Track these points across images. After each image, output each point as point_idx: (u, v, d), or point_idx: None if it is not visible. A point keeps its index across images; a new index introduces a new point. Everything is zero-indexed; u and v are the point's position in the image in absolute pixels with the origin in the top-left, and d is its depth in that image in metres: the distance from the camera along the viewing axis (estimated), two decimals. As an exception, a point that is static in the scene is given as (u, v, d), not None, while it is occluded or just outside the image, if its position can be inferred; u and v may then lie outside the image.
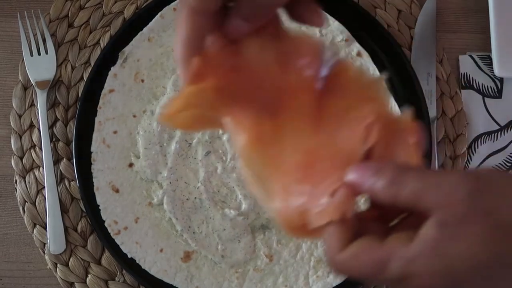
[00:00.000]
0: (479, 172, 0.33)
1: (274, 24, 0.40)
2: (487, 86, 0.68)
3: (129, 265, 0.60)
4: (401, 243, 0.32)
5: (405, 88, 0.64)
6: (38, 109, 0.65)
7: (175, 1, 0.65)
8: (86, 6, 0.68)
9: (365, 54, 0.65)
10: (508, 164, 0.66)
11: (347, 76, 0.40)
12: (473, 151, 0.67)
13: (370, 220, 0.35)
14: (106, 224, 0.61)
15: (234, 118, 0.39)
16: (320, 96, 0.40)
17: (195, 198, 0.62)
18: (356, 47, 0.65)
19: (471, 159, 0.66)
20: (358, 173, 0.34)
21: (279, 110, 0.41)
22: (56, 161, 0.65)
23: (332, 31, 0.65)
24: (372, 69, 0.65)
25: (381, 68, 0.65)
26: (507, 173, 0.33)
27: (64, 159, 0.65)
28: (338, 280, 0.60)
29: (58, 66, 0.67)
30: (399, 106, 0.64)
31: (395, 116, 0.36)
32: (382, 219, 0.35)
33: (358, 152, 0.36)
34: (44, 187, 0.64)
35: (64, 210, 0.64)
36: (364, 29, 0.65)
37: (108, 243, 0.61)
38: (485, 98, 0.68)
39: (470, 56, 0.69)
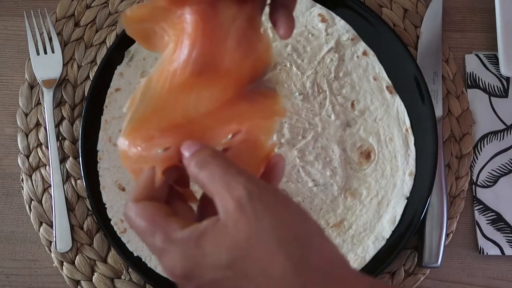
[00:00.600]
0: (263, 183, 0.36)
1: (255, 9, 0.43)
2: (493, 86, 0.68)
3: (135, 263, 0.61)
4: (178, 225, 0.35)
5: (411, 87, 0.64)
6: (44, 108, 0.65)
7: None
8: (92, 5, 0.69)
9: (371, 53, 0.65)
10: (514, 164, 0.66)
11: (267, 101, 0.46)
12: (479, 151, 0.67)
13: (186, 204, 0.40)
14: (112, 223, 0.61)
15: (175, 44, 0.43)
16: (242, 91, 0.45)
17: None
18: (362, 46, 0.65)
19: (477, 159, 0.66)
20: (187, 146, 0.37)
21: (209, 70, 0.45)
22: (63, 160, 0.65)
23: (338, 30, 0.65)
24: (378, 68, 0.65)
25: (386, 67, 0.65)
26: (282, 192, 0.37)
27: (71, 157, 0.65)
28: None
29: (64, 65, 0.67)
30: (405, 105, 0.64)
31: (262, 142, 0.43)
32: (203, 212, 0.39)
33: (217, 143, 0.41)
34: (51, 185, 0.64)
35: (70, 209, 0.64)
36: (370, 28, 0.65)
37: (114, 241, 0.61)
38: (491, 97, 0.68)
39: (476, 55, 0.68)
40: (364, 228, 0.62)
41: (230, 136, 0.43)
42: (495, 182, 0.66)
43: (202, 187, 0.36)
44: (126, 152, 0.41)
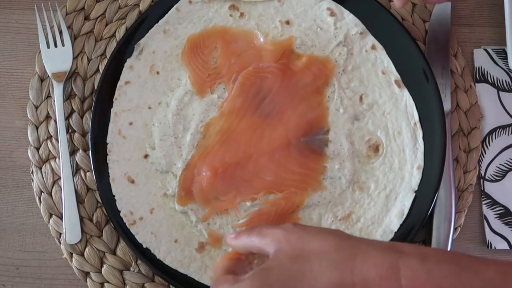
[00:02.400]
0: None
1: (324, 84, 0.64)
2: (502, 80, 0.68)
3: (144, 255, 0.61)
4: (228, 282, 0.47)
5: (420, 81, 0.64)
6: (54, 101, 0.66)
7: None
8: (102, -1, 0.69)
9: (379, 47, 0.65)
10: (523, 158, 0.66)
11: (313, 156, 0.62)
12: (488, 145, 0.67)
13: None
14: (121, 215, 0.62)
15: (247, 85, 0.63)
16: (295, 141, 0.61)
17: (210, 189, 0.63)
18: (370, 40, 0.65)
19: (485, 153, 0.66)
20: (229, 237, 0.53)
21: (273, 116, 0.61)
22: (72, 152, 0.66)
23: (347, 23, 0.65)
24: (387, 62, 0.65)
25: (395, 61, 0.65)
26: None
27: (80, 150, 0.66)
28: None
29: (74, 58, 0.68)
30: (414, 99, 0.64)
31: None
32: None
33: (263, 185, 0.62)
34: (60, 177, 0.64)
35: (79, 201, 0.65)
36: (379, 22, 0.65)
37: (124, 233, 0.61)
38: (499, 91, 0.68)
39: (485, 49, 0.68)
40: (372, 221, 0.62)
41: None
42: (503, 176, 0.66)
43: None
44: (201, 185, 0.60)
